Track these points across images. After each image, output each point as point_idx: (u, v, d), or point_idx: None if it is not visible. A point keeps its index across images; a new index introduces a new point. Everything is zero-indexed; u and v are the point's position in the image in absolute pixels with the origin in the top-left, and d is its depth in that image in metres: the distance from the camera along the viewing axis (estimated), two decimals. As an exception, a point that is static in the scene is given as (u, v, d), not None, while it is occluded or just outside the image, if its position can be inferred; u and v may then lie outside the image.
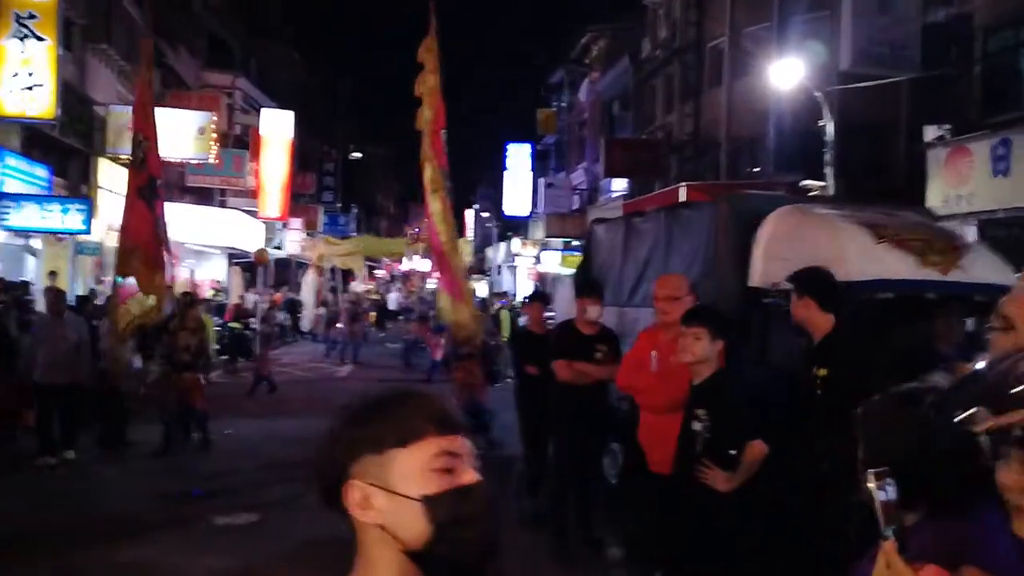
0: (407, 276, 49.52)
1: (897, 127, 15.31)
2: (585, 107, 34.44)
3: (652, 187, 23.31)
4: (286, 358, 20.66)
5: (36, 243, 15.94)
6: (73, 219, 13.76)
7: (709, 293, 5.46)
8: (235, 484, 8.32)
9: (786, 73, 14.94)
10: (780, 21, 18.66)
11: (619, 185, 28.34)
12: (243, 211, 27.41)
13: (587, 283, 6.90)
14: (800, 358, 4.21)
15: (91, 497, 7.74)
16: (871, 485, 1.40)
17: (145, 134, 8.90)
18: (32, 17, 13.59)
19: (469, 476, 1.19)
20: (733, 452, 3.78)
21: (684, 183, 19.43)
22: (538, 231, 38.27)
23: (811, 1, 17.54)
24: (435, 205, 7.58)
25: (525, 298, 11.69)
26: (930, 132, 13.04)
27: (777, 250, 5.33)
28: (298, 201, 33.96)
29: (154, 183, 8.80)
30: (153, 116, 9.22)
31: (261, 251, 15.92)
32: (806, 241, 5.31)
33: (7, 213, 13.20)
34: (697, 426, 3.89)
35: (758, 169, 19.48)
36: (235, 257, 26.02)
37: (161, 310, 8.99)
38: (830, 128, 13.93)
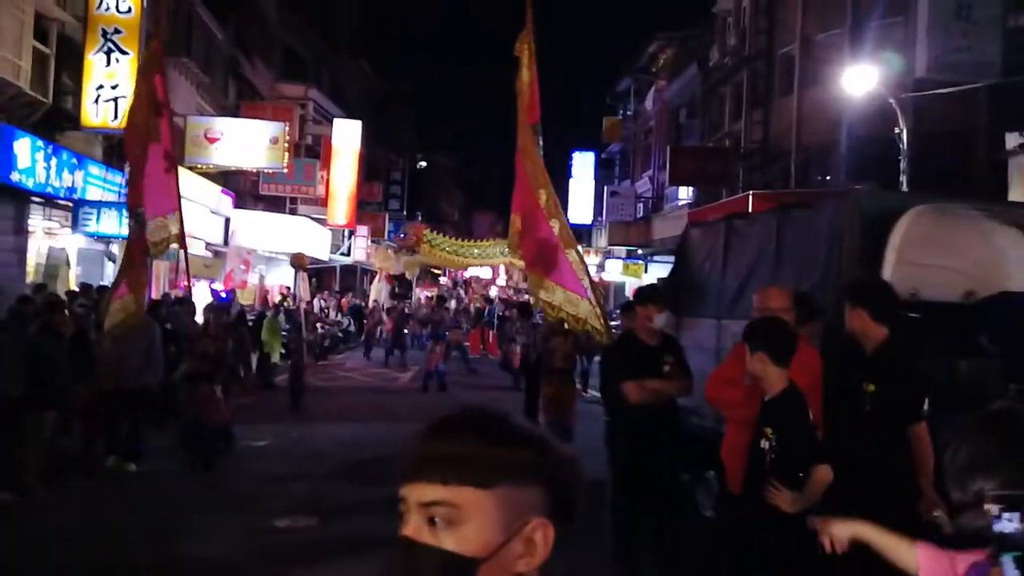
0: (468, 283, 49.87)
1: (976, 134, 14.82)
2: (651, 115, 34.23)
3: (719, 196, 23.03)
4: (349, 363, 21.01)
5: (115, 248, 16.56)
6: (151, 225, 14.20)
7: (829, 305, 4.79)
8: (297, 487, 8.43)
9: (859, 80, 14.60)
10: (853, 27, 18.26)
11: (684, 194, 28.07)
12: (312, 219, 28.03)
13: (651, 289, 6.73)
14: (852, 370, 4.03)
15: (153, 495, 7.95)
16: (991, 509, 1.29)
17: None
18: (117, 32, 14.18)
19: (404, 530, 1.05)
20: (801, 474, 3.68)
21: (751, 192, 19.19)
22: (601, 239, 38.14)
23: (885, 7, 17.12)
24: (543, 199, 7.17)
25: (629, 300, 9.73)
26: (1012, 140, 12.57)
27: (914, 254, 4.72)
28: (365, 209, 34.54)
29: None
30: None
31: (299, 255, 16.01)
32: (951, 245, 4.74)
33: (88, 219, 13.74)
34: (765, 444, 3.83)
35: (829, 178, 19.08)
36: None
37: (140, 308, 8.66)
38: (905, 136, 13.56)
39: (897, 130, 13.71)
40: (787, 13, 21.04)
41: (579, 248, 7.23)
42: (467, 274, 56.13)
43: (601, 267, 35.02)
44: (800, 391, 3.88)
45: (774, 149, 21.52)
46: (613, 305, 35.69)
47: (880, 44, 16.77)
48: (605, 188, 38.67)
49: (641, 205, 34.70)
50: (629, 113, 39.39)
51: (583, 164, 41.88)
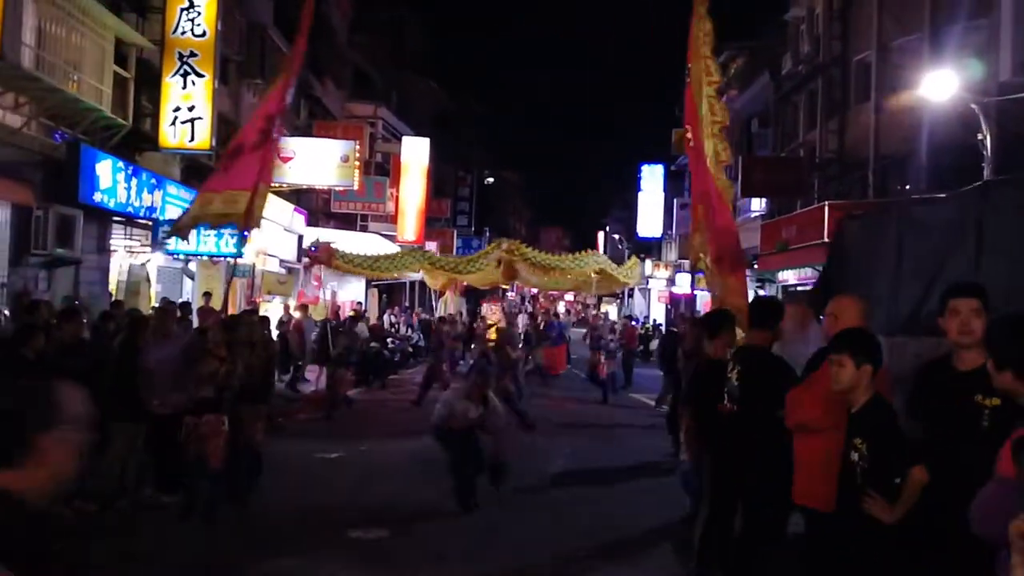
0: (535, 298, 49.72)
1: (1066, 139, 14.06)
2: (722, 126, 33.68)
3: (793, 207, 22.46)
4: (418, 377, 21.10)
5: (193, 266, 17.04)
6: (227, 244, 14.57)
7: None
8: (368, 499, 8.48)
9: (939, 85, 14.03)
10: (932, 32, 17.62)
11: (757, 205, 27.51)
12: (382, 235, 28.41)
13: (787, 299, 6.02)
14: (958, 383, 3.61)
15: (228, 506, 8.06)
16: None
17: None
18: (193, 55, 14.61)
19: None
20: (897, 481, 3.58)
21: (828, 202, 18.65)
22: (671, 253, 37.66)
23: (967, 10, 16.46)
24: (722, 180, 6.45)
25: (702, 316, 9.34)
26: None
27: None
28: (433, 225, 34.89)
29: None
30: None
31: (325, 246, 15.77)
32: None
33: (168, 237, 14.15)
34: (855, 456, 3.72)
35: (908, 187, 18.40)
36: (373, 280, 26.94)
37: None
38: (989, 142, 12.96)
39: (980, 136, 13.13)
40: (862, 19, 20.45)
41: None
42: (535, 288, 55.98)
43: (671, 281, 34.54)
44: (885, 399, 3.79)
45: (851, 158, 20.88)
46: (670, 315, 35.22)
47: (961, 48, 16.13)
48: (675, 201, 38.20)
49: (712, 218, 34.12)
50: (699, 124, 38.86)
51: (652, 177, 41.49)
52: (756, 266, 24.27)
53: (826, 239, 17.90)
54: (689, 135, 6.43)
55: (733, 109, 31.54)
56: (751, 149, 28.42)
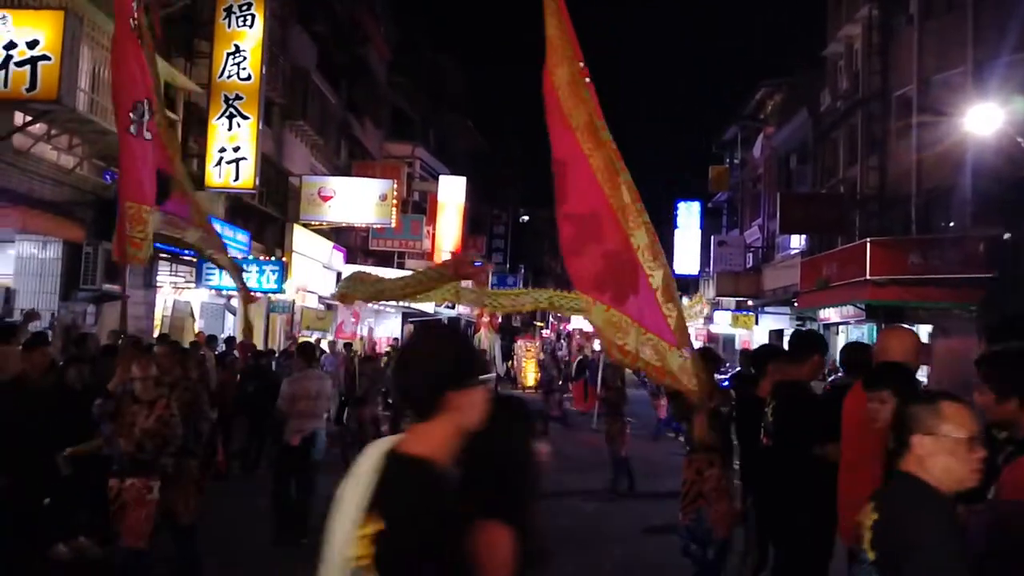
0: (571, 335, 49.55)
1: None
2: (760, 162, 33.59)
3: (833, 243, 22.22)
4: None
5: (235, 302, 17.28)
6: (268, 279, 14.78)
7: None
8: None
9: (984, 120, 13.88)
10: (975, 66, 17.48)
11: (796, 242, 27.26)
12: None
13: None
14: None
15: (257, 551, 7.98)
16: None
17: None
18: (239, 98, 14.99)
19: None
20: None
21: (869, 239, 18.44)
22: (709, 290, 37.37)
23: (1010, 44, 16.31)
24: (641, 238, 4.97)
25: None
26: None
27: None
28: (470, 262, 35.02)
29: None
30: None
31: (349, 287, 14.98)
32: None
33: (211, 274, 14.39)
34: None
35: (952, 223, 18.13)
36: (409, 316, 27.08)
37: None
38: (1038, 176, 12.75)
39: (1028, 170, 12.93)
40: (902, 54, 20.35)
41: (668, 269, 4.90)
42: (570, 326, 55.82)
43: (709, 319, 34.24)
44: None
45: (892, 194, 20.65)
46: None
47: (1005, 82, 15.96)
48: (712, 238, 38.02)
49: (751, 255, 33.88)
50: (736, 161, 38.81)
51: (689, 214, 41.38)
52: (796, 304, 23.99)
53: (868, 276, 17.72)
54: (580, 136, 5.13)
55: (771, 146, 31.57)
56: (790, 185, 28.25)
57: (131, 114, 6.08)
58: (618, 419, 11.17)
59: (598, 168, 4.97)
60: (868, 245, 17.94)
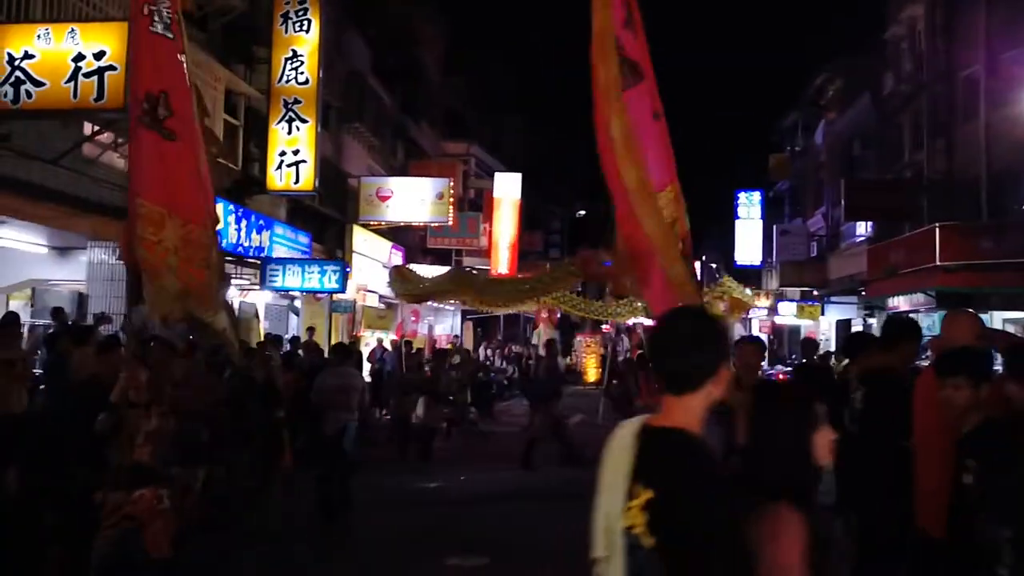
0: (631, 329, 49.08)
1: None
2: (821, 149, 32.83)
3: (900, 230, 21.61)
4: (516, 409, 21.14)
5: (298, 303, 17.63)
6: (330, 280, 15.03)
7: None
8: (467, 528, 8.52)
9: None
10: (1047, 40, 16.80)
11: (862, 229, 26.59)
12: (477, 269, 28.70)
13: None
14: None
15: (327, 530, 8.28)
16: None
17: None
18: (297, 102, 15.26)
19: None
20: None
21: (938, 223, 17.85)
22: (772, 281, 36.71)
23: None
24: (630, 175, 4.83)
25: None
26: None
27: None
28: (526, 258, 35.05)
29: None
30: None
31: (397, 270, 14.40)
32: None
33: (275, 276, 14.69)
34: (968, 479, 3.49)
35: (1025, 205, 17.46)
36: (468, 313, 27.22)
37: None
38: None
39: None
40: (969, 32, 19.64)
41: (691, 263, 4.58)
42: (631, 320, 55.17)
43: (774, 310, 33.61)
44: (998, 418, 3.55)
45: (960, 177, 19.96)
46: (789, 349, 34.09)
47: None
48: (774, 227, 37.29)
49: (814, 243, 33.16)
50: (797, 149, 37.99)
51: (749, 203, 40.65)
52: (863, 292, 23.39)
53: (938, 262, 17.16)
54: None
55: (833, 132, 30.83)
56: (853, 172, 27.56)
57: (144, 104, 5.63)
58: None
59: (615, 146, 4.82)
60: (937, 230, 17.38)
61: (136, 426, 5.21)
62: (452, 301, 19.45)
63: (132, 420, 5.24)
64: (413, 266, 24.00)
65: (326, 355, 13.08)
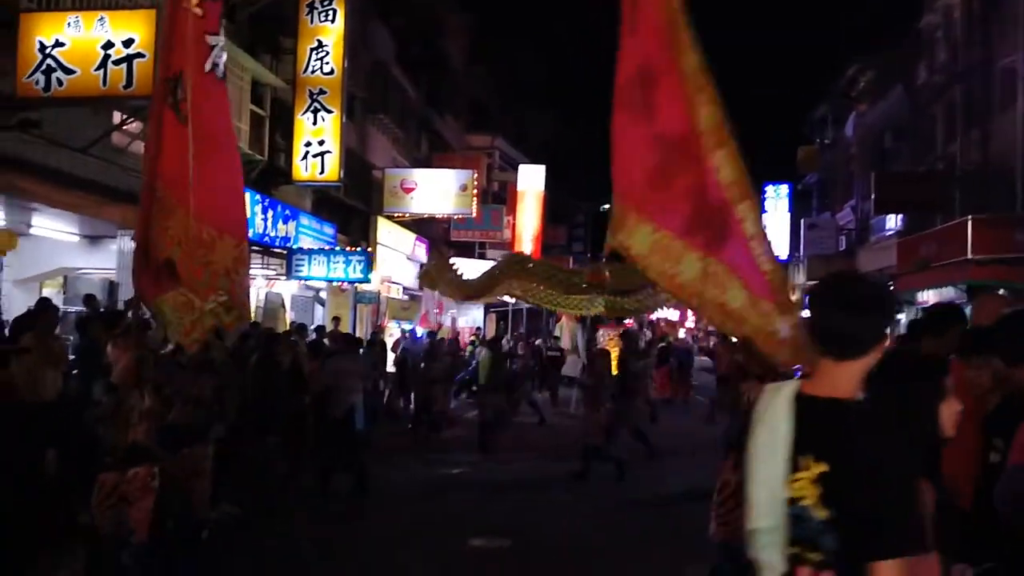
0: (654, 323, 48.90)
1: None
2: (852, 141, 32.38)
3: (932, 223, 21.25)
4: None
5: (323, 294, 17.67)
6: (355, 270, 15.04)
7: None
8: (491, 511, 8.65)
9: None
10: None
11: (893, 223, 26.21)
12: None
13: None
14: None
15: (352, 516, 8.37)
16: None
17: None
18: (322, 92, 15.26)
19: None
20: None
21: (971, 216, 17.52)
22: (799, 275, 36.34)
23: None
24: (728, 172, 3.96)
25: None
26: None
27: None
28: (549, 252, 34.96)
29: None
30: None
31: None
32: None
33: (300, 266, 14.72)
34: (995, 458, 3.39)
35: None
36: (490, 305, 27.18)
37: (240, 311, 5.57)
38: None
39: None
40: (1006, 21, 19.24)
41: (759, 213, 4.03)
42: (655, 315, 55.02)
43: (804, 305, 33.26)
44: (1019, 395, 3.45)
45: (995, 169, 19.58)
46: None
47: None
48: (802, 221, 36.88)
49: (843, 237, 32.75)
50: (826, 141, 37.51)
51: (777, 197, 40.25)
52: (893, 286, 23.05)
53: (969, 255, 16.84)
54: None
55: (864, 124, 30.39)
56: (884, 164, 27.16)
57: (168, 84, 5.31)
58: None
59: (684, 80, 4.01)
60: (969, 223, 17.06)
61: (131, 406, 5.23)
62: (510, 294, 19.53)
63: (128, 400, 5.25)
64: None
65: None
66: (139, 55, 8.63)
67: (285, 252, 14.70)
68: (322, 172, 15.35)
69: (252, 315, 14.68)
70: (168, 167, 5.31)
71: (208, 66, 5.47)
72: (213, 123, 5.43)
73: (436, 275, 10.18)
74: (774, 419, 2.12)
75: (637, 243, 4.08)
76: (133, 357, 5.25)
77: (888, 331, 2.17)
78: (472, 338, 22.63)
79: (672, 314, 58.45)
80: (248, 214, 13.06)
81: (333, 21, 15.37)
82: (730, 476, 4.85)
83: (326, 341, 12.44)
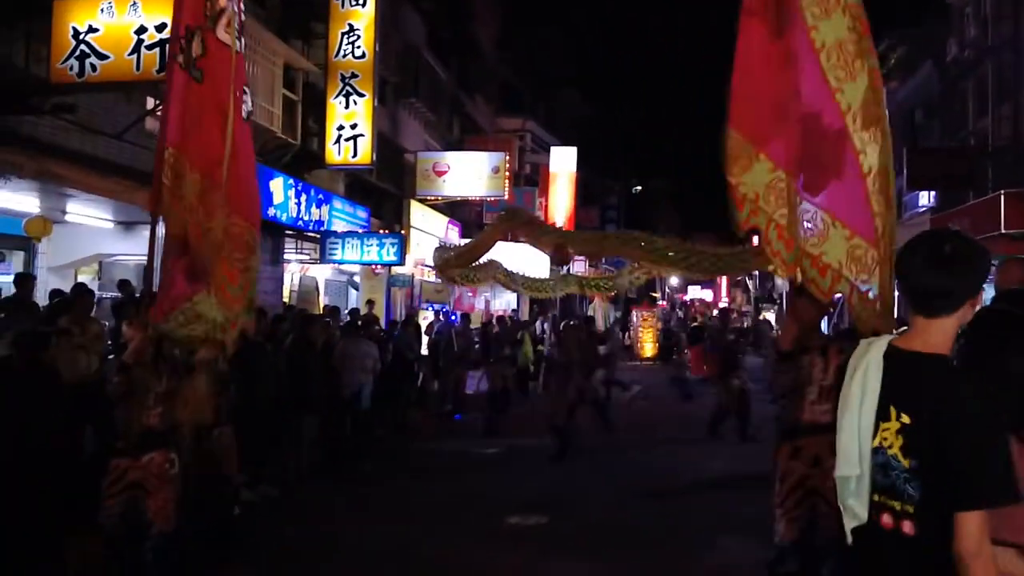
0: (689, 305, 48.92)
1: None
2: (883, 119, 31.94)
3: (965, 200, 21.02)
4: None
5: (357, 278, 17.99)
6: (388, 252, 15.31)
7: None
8: (527, 489, 8.77)
9: None
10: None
11: (925, 199, 25.91)
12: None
13: None
14: None
15: (390, 495, 8.56)
16: None
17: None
18: (354, 76, 15.51)
19: None
20: None
21: (1004, 191, 17.31)
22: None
23: None
24: (853, 93, 3.51)
25: None
26: None
27: None
28: (583, 234, 35.02)
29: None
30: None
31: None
32: None
33: (334, 250, 15.04)
34: None
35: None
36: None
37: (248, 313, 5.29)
38: None
39: None
40: (1039, -6, 18.93)
41: (889, 144, 3.50)
42: (687, 296, 55.03)
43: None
44: None
45: (1029, 144, 19.32)
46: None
47: None
48: (833, 201, 36.48)
49: (875, 215, 32.36)
50: (858, 119, 37.01)
51: (808, 177, 39.79)
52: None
53: (1003, 230, 16.66)
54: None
55: (895, 101, 29.92)
56: (916, 141, 26.82)
57: (181, 41, 5.00)
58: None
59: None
60: (1002, 197, 16.90)
61: (146, 388, 4.91)
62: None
63: (142, 381, 4.90)
64: (468, 241, 24.25)
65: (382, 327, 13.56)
66: (172, 40, 8.85)
67: (319, 236, 15.02)
68: (355, 155, 15.59)
69: (287, 299, 15.12)
70: (176, 128, 5.04)
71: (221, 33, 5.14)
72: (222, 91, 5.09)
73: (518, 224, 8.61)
74: (866, 370, 2.19)
75: (750, 181, 3.70)
76: (148, 336, 4.90)
77: (979, 287, 2.18)
78: (508, 318, 22.74)
79: (706, 294, 58.25)
80: (281, 197, 13.48)
81: (364, 5, 15.57)
82: (790, 464, 4.60)
83: (359, 323, 12.78)
